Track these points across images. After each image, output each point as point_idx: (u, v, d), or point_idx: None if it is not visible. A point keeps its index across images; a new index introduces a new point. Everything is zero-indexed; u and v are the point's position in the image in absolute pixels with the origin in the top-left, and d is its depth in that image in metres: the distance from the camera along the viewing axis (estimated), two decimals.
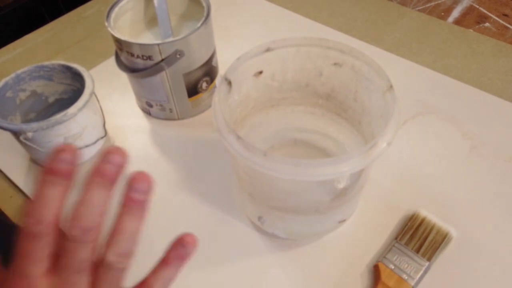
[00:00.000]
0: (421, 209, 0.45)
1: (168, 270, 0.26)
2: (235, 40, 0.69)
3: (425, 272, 0.41)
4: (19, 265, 0.22)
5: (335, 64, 0.43)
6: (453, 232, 0.43)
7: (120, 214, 0.23)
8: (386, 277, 0.41)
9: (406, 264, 0.41)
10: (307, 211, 0.42)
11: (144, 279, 0.27)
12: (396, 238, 0.43)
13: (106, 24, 0.51)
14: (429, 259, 0.41)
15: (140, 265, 0.45)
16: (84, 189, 0.23)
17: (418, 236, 0.43)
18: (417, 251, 0.42)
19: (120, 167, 0.23)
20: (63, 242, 0.22)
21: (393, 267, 0.41)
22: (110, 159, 0.22)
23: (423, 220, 0.44)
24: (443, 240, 0.42)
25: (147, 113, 0.60)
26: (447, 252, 0.43)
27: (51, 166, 0.22)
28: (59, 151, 0.22)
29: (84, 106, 0.48)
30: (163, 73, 0.51)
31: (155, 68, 0.50)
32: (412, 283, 0.40)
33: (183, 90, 0.54)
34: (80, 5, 0.80)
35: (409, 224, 0.44)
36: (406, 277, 0.40)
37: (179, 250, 0.25)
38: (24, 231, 0.22)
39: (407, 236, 0.43)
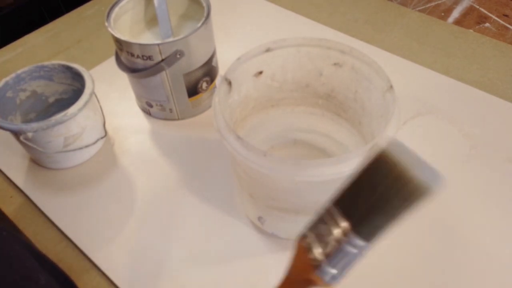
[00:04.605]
0: None
1: None
2: (235, 40, 0.69)
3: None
4: None
5: (335, 64, 0.43)
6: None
7: None
8: None
9: None
10: (307, 211, 0.42)
11: None
12: None
13: (106, 24, 0.51)
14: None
15: (140, 265, 0.45)
16: None
17: None
18: None
19: None
20: None
21: None
22: None
23: None
24: None
25: (147, 113, 0.59)
26: (447, 252, 0.43)
27: None
28: None
29: (84, 106, 0.48)
30: (163, 73, 0.51)
31: (155, 68, 0.50)
32: None
33: (183, 90, 0.54)
34: (80, 5, 0.80)
35: None
36: None
37: None
38: None
39: None
